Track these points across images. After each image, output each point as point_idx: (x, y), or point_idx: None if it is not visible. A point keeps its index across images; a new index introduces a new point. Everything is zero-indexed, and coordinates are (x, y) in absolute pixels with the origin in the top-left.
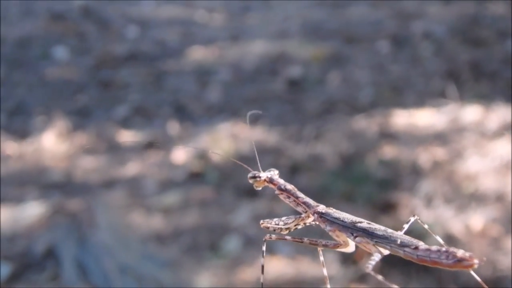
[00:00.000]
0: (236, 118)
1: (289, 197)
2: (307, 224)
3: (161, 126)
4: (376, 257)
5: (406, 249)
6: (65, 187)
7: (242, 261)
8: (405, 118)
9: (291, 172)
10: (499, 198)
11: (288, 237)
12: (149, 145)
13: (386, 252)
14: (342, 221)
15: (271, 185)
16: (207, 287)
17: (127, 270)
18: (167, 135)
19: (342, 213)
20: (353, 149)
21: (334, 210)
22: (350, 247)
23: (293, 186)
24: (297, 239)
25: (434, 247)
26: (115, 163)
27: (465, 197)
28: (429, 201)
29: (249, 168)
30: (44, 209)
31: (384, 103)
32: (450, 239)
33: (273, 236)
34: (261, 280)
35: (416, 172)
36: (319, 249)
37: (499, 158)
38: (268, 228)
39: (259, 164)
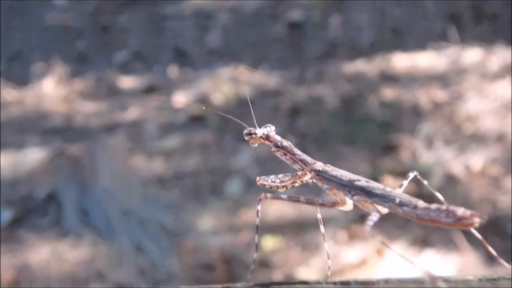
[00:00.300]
0: (236, 62)
1: (285, 154)
2: (304, 182)
3: (161, 71)
4: (374, 217)
5: (405, 208)
6: (65, 132)
7: (244, 203)
8: (405, 61)
9: (292, 114)
10: (499, 138)
11: (284, 196)
12: (150, 90)
13: (384, 210)
14: (340, 179)
15: (267, 142)
16: (209, 229)
17: (129, 213)
18: (167, 80)
19: (339, 170)
20: (353, 91)
21: (332, 167)
22: (348, 206)
23: (289, 142)
24: (293, 199)
25: (433, 206)
26: (115, 108)
27: (465, 138)
28: (429, 143)
29: (244, 124)
30: (45, 154)
31: (385, 46)
32: (451, 180)
33: (269, 195)
34: (256, 241)
35: (417, 113)
36: (317, 207)
37: (500, 99)
38: (264, 185)
39: (254, 120)
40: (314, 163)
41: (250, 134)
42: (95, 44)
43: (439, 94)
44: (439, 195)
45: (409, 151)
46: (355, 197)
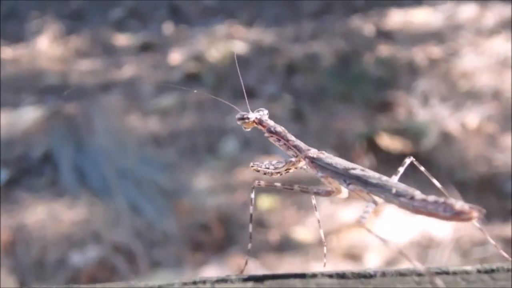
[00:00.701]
0: (231, 19)
1: (279, 140)
2: (298, 168)
3: (156, 28)
4: (370, 208)
5: (402, 199)
6: (61, 91)
7: (240, 162)
8: (401, 17)
9: (288, 72)
10: (495, 95)
11: (277, 184)
12: (145, 48)
13: (380, 201)
14: (335, 167)
15: (260, 127)
16: (205, 189)
17: (125, 173)
18: (162, 37)
19: (334, 158)
20: (349, 48)
21: (327, 154)
22: (343, 194)
23: (283, 128)
24: (287, 187)
25: (431, 198)
26: (111, 66)
27: (461, 95)
28: (425, 100)
29: (237, 108)
30: (41, 114)
31: (380, 2)
32: (447, 138)
33: (262, 182)
34: (250, 230)
35: (413, 70)
36: (314, 202)
37: (495, 56)
38: (258, 171)
39: (247, 103)
40: (308, 149)
41: (242, 118)
42: (90, 1)
43: (435, 50)
44: (436, 182)
45: (405, 109)
46: (351, 186)
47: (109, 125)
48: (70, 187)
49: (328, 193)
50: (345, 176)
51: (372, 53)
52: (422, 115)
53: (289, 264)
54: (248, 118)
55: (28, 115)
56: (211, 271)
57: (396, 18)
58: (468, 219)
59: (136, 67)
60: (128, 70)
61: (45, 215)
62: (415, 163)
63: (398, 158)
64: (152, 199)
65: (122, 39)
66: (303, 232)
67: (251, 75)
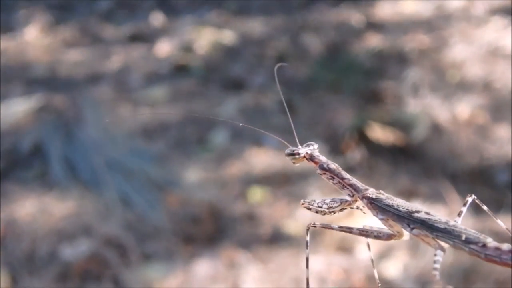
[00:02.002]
0: (220, 9)
1: (332, 178)
2: (354, 208)
3: (145, 18)
4: (439, 256)
5: (472, 246)
6: (50, 83)
7: (230, 153)
8: (390, 7)
9: (277, 62)
10: (486, 85)
11: (335, 226)
12: (134, 38)
13: (447, 246)
14: (396, 209)
15: (311, 163)
16: (196, 181)
17: (115, 165)
18: (151, 28)
19: (395, 199)
20: (338, 39)
21: (386, 195)
22: (405, 237)
23: (337, 165)
24: (345, 229)
25: (505, 246)
26: (99, 57)
27: (452, 86)
28: (415, 90)
29: (286, 143)
30: (30, 106)
31: None
32: (437, 129)
33: (318, 224)
34: (307, 275)
35: (403, 60)
36: (368, 240)
37: (486, 45)
38: (309, 209)
39: (296, 136)
40: (366, 189)
41: (292, 154)
42: None
43: (425, 40)
44: (501, 223)
45: (396, 99)
46: (415, 231)
47: (98, 116)
48: (60, 179)
49: (389, 237)
50: (409, 220)
51: (361, 43)
52: (412, 105)
53: (281, 257)
54: (298, 154)
55: (17, 107)
56: (202, 264)
57: (386, 8)
58: None
59: (125, 58)
60: (117, 61)
61: (35, 208)
62: (477, 201)
63: (390, 150)
64: (142, 191)
65: (110, 30)
66: (295, 224)
67: (240, 65)
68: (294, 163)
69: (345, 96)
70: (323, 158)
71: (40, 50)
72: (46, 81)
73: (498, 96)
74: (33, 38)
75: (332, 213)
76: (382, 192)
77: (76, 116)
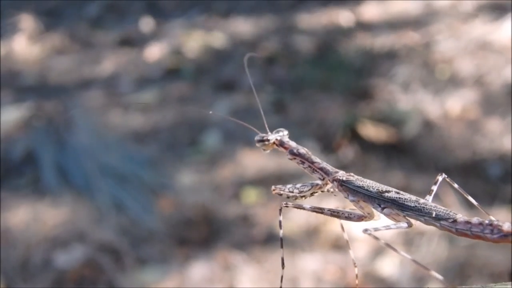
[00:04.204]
0: (209, 11)
1: (303, 162)
2: (325, 191)
3: (134, 23)
4: (396, 226)
5: (443, 222)
6: (40, 90)
7: (223, 155)
8: (379, 5)
9: (268, 63)
10: (476, 80)
11: (306, 206)
12: (123, 43)
13: (418, 223)
14: (367, 190)
15: (281, 149)
16: (189, 184)
17: (107, 170)
18: (140, 32)
19: (365, 180)
20: (328, 38)
21: (356, 176)
22: (376, 217)
23: (306, 149)
24: (316, 210)
25: (474, 220)
26: (89, 63)
27: (442, 81)
28: (406, 87)
29: (255, 130)
30: (21, 113)
31: None
32: (429, 125)
33: (290, 203)
34: (282, 255)
35: (392, 58)
36: (341, 222)
37: (474, 40)
38: (280, 195)
39: (265, 124)
40: (336, 172)
41: (262, 140)
42: None
43: (414, 37)
44: (472, 200)
45: (387, 96)
46: (386, 210)
47: (89, 122)
48: (53, 186)
49: (360, 218)
50: (379, 200)
51: (351, 42)
52: (404, 102)
53: (276, 257)
54: (268, 140)
55: (8, 116)
56: (198, 266)
57: (374, 6)
58: None
59: (115, 63)
60: (107, 66)
61: (29, 216)
62: (448, 180)
63: (382, 147)
64: (136, 195)
65: (100, 35)
66: (289, 225)
67: (231, 67)
68: (264, 149)
69: (336, 95)
70: (292, 144)
71: (30, 57)
72: (37, 89)
73: (489, 90)
74: (22, 46)
75: (304, 198)
76: (352, 174)
77: (67, 123)
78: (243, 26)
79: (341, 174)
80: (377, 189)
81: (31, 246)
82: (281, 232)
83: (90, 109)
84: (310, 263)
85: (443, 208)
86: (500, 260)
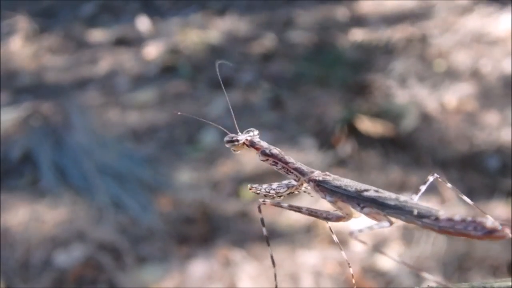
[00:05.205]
0: (205, 9)
1: (276, 163)
2: (301, 192)
3: (130, 22)
4: (378, 226)
5: (425, 220)
6: (37, 90)
7: (220, 152)
8: (374, 0)
9: (264, 59)
10: (473, 73)
11: (284, 205)
12: (120, 42)
13: (399, 222)
14: (345, 190)
15: (252, 149)
16: (187, 181)
17: (106, 169)
18: (136, 31)
19: (343, 179)
20: (324, 33)
21: (333, 176)
22: (355, 215)
23: (279, 149)
24: (294, 208)
25: (457, 217)
26: (86, 62)
27: (439, 75)
28: (403, 81)
29: (225, 130)
30: (18, 114)
31: None
32: (426, 118)
33: (268, 201)
34: (270, 253)
35: (389, 52)
36: (328, 224)
37: (471, 33)
38: (257, 194)
39: (235, 124)
40: (312, 172)
41: (231, 141)
42: None
43: (410, 31)
44: (467, 199)
45: (384, 91)
46: (366, 210)
47: (87, 121)
48: (51, 186)
49: (338, 219)
50: (359, 199)
51: (347, 37)
52: (401, 96)
53: (276, 254)
54: (237, 141)
55: (5, 116)
56: (198, 264)
57: (369, 1)
58: (501, 237)
59: (111, 62)
60: (103, 65)
61: (28, 216)
62: (440, 179)
63: (380, 141)
64: (134, 194)
65: (96, 34)
66: (288, 222)
67: (227, 64)
68: (234, 150)
69: (333, 90)
70: (264, 144)
71: (26, 58)
72: (33, 89)
73: (485, 83)
74: (18, 46)
75: (281, 197)
76: (328, 173)
77: (65, 122)
78: (239, 23)
79: (317, 174)
80: (355, 188)
81: (30, 246)
82: (264, 230)
83: (88, 108)
84: (309, 259)
85: (425, 205)
86: (499, 253)
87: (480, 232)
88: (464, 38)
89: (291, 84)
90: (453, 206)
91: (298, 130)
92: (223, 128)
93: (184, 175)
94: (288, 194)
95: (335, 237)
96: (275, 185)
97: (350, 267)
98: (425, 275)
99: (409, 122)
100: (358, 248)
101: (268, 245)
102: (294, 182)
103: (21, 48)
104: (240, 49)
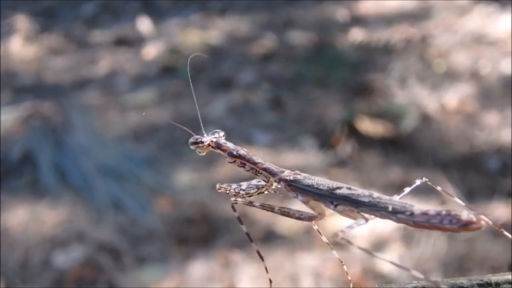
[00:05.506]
0: (205, 9)
1: (244, 165)
2: (271, 192)
3: (130, 22)
4: (357, 225)
5: (400, 215)
6: (37, 90)
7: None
8: (374, 0)
9: (264, 60)
10: (473, 73)
11: (256, 204)
12: (120, 42)
13: (374, 218)
14: (317, 188)
15: (218, 151)
16: (187, 182)
17: (105, 169)
18: (136, 31)
19: (314, 178)
20: (324, 34)
21: (304, 175)
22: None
23: (246, 150)
24: (267, 208)
25: (431, 211)
26: (86, 63)
27: (438, 75)
28: (403, 81)
29: (191, 132)
30: (18, 114)
31: None
32: (426, 119)
33: (239, 200)
34: (256, 249)
35: (389, 53)
36: (315, 227)
37: (470, 33)
38: (226, 193)
39: (201, 124)
40: (282, 171)
41: (196, 143)
42: None
43: (410, 32)
44: (458, 200)
45: (384, 91)
46: (339, 207)
47: (87, 122)
48: (51, 186)
49: (311, 219)
50: (331, 197)
51: (347, 38)
52: (401, 96)
53: (276, 255)
54: (202, 142)
55: (5, 116)
56: (198, 265)
57: (369, 1)
58: (477, 228)
59: (111, 62)
60: (103, 65)
61: (27, 216)
62: (430, 183)
63: (380, 142)
64: (134, 195)
65: (96, 35)
66: (288, 223)
67: (227, 64)
68: (200, 152)
69: (333, 90)
70: (230, 145)
71: (26, 58)
72: (33, 89)
73: (485, 83)
74: (19, 46)
75: (251, 197)
76: (298, 172)
77: (65, 123)
78: (239, 23)
79: (287, 173)
80: (327, 187)
81: (30, 246)
82: (244, 228)
83: (87, 108)
84: (309, 260)
85: (398, 201)
86: (499, 253)
87: (456, 225)
88: (464, 38)
89: (291, 84)
90: (453, 207)
91: (298, 130)
92: (188, 130)
93: (184, 176)
94: (258, 194)
95: (324, 238)
96: (244, 185)
97: (343, 265)
98: (414, 273)
99: (409, 122)
100: (358, 249)
101: (251, 241)
102: (263, 182)
103: (21, 47)
104: (240, 50)
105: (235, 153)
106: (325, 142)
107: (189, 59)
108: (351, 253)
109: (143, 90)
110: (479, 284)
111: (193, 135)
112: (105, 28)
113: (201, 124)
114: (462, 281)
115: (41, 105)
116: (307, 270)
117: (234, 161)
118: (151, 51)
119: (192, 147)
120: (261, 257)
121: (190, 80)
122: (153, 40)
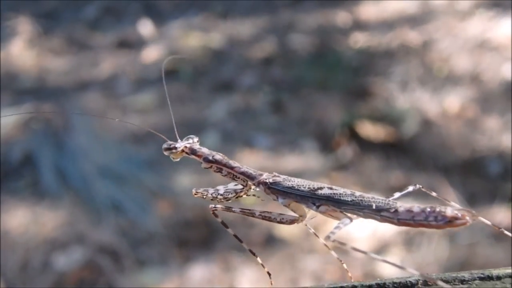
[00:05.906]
0: (206, 12)
1: (220, 170)
2: (250, 195)
3: (131, 24)
4: (343, 224)
5: (384, 213)
6: (38, 92)
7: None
8: (375, 5)
9: (266, 63)
10: (474, 78)
11: (236, 210)
12: (121, 45)
13: (357, 218)
14: (298, 189)
15: (193, 157)
16: (188, 185)
17: (106, 172)
18: (138, 34)
19: (294, 179)
20: (325, 37)
21: (283, 176)
22: (310, 214)
23: (222, 154)
24: (247, 212)
25: (416, 208)
26: (87, 65)
27: (440, 79)
28: (404, 85)
29: (164, 138)
30: (19, 116)
31: None
32: (428, 123)
33: (219, 206)
34: (247, 248)
35: (390, 57)
36: (311, 231)
37: (472, 38)
38: (203, 198)
39: (175, 128)
40: (260, 174)
41: (169, 149)
42: (64, 0)
43: (411, 36)
44: (455, 204)
45: (385, 95)
46: (321, 208)
47: (88, 124)
48: (52, 188)
49: (292, 222)
50: (313, 198)
51: (348, 41)
52: (402, 100)
53: (276, 259)
54: (175, 148)
55: (7, 118)
56: (198, 268)
57: (371, 6)
58: (463, 224)
59: (113, 64)
60: (105, 68)
61: (28, 218)
62: (424, 189)
63: (381, 146)
64: (134, 197)
65: (97, 37)
66: (288, 227)
67: (228, 67)
68: (173, 158)
69: (334, 94)
70: (205, 150)
71: (28, 60)
72: (35, 91)
73: (486, 88)
74: (20, 48)
75: (229, 201)
76: (277, 174)
77: (65, 125)
78: (240, 26)
79: (266, 176)
80: (308, 187)
81: (30, 248)
82: (230, 231)
83: (88, 110)
84: (310, 264)
85: (381, 198)
86: (501, 258)
87: (441, 221)
88: (465, 43)
89: (292, 87)
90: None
91: (299, 133)
92: (162, 136)
93: (185, 179)
94: (236, 198)
95: (321, 239)
96: (222, 189)
97: (342, 263)
98: (410, 270)
99: (410, 126)
100: (358, 252)
101: (241, 242)
102: (240, 186)
103: (23, 50)
104: (241, 53)
105: (211, 158)
106: (326, 145)
107: (165, 61)
108: (352, 257)
109: (144, 92)
110: (480, 278)
111: (167, 141)
112: (107, 31)
113: (175, 129)
114: (463, 274)
115: (42, 107)
116: (308, 273)
117: (210, 167)
118: (153, 54)
119: (165, 153)
120: (254, 254)
121: (164, 79)
122: (154, 43)
